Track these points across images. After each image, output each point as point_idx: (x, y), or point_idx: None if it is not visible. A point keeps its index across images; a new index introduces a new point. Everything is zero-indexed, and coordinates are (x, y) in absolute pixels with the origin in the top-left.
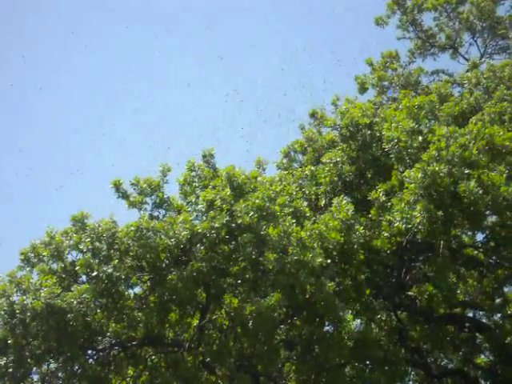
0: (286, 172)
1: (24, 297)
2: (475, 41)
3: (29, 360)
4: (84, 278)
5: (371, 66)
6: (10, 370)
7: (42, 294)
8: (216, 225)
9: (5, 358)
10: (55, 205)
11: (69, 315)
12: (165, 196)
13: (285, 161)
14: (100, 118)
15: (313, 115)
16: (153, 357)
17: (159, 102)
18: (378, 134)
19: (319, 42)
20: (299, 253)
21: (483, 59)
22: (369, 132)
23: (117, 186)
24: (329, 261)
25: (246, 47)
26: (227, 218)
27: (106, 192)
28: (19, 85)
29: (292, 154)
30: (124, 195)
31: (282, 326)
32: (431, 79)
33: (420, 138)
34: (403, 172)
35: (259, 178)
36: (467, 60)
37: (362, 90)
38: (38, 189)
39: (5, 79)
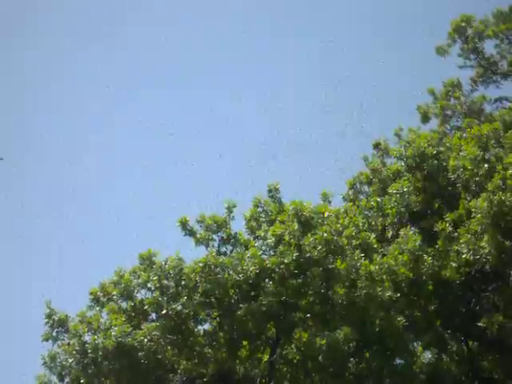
0: (351, 204)
1: (95, 336)
2: None
3: None
4: (153, 315)
5: (433, 95)
6: None
7: (113, 333)
8: (285, 260)
9: None
10: (123, 244)
11: (140, 353)
12: (231, 232)
13: (351, 192)
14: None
15: (376, 146)
16: None
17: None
18: (444, 164)
19: (381, 73)
20: (368, 286)
21: None
22: (435, 162)
23: (183, 224)
24: (398, 294)
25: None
26: (296, 253)
27: (172, 231)
28: None
29: (358, 185)
30: (191, 232)
31: (351, 360)
32: (494, 107)
33: (486, 165)
34: (470, 201)
35: (325, 211)
36: None
37: (425, 119)
38: (108, 229)
39: None
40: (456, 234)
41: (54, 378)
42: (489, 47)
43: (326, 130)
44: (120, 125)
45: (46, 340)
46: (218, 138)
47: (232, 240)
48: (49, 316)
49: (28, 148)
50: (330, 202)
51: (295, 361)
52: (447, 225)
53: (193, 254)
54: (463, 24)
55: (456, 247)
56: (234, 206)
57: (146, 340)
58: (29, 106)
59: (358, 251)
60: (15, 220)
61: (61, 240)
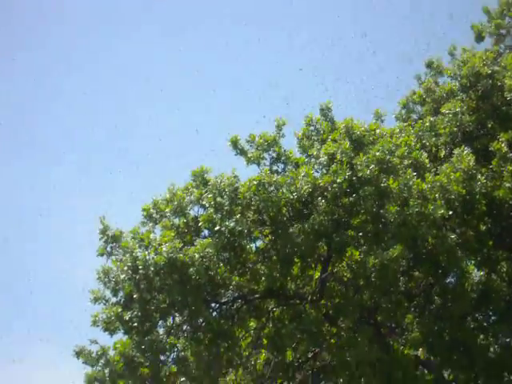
0: (405, 124)
1: (146, 252)
2: None
3: (154, 314)
4: (206, 232)
5: (488, 14)
6: (136, 324)
7: (164, 249)
8: (338, 179)
9: (130, 313)
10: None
11: (191, 269)
12: (282, 150)
13: (403, 112)
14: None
15: (429, 65)
16: (275, 309)
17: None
18: (499, 84)
19: None
20: (420, 205)
21: None
22: (489, 81)
23: (234, 143)
24: (450, 212)
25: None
26: (349, 172)
27: (223, 150)
28: None
29: (410, 105)
30: (242, 152)
31: (401, 278)
32: None
33: None
34: None
35: (378, 130)
36: None
37: (479, 39)
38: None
39: None
40: (511, 154)
41: (108, 293)
42: None
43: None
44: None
45: (101, 255)
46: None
47: (283, 158)
48: (103, 232)
49: None
50: (382, 122)
51: (346, 279)
52: (502, 145)
53: (244, 174)
54: None
55: (510, 167)
56: (284, 124)
57: (197, 256)
58: None
59: (410, 170)
60: (71, 136)
61: (116, 159)
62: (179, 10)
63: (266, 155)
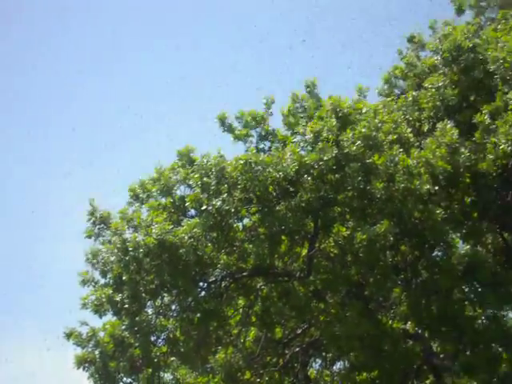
0: (388, 99)
1: (136, 234)
2: None
3: (143, 295)
4: (193, 212)
5: None
6: (126, 305)
7: (154, 230)
8: (324, 157)
9: (120, 294)
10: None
11: (181, 250)
12: (269, 128)
13: (386, 87)
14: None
15: (411, 40)
16: (264, 287)
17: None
18: (481, 57)
19: None
20: (406, 180)
21: None
22: (471, 55)
23: (222, 120)
24: (436, 187)
25: None
26: (335, 149)
27: (210, 126)
28: None
29: (393, 80)
30: (229, 129)
31: (388, 252)
32: None
33: None
34: (507, 93)
35: (362, 106)
36: None
37: (460, 11)
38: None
39: None
40: (494, 126)
41: (97, 275)
42: None
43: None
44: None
45: (89, 237)
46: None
47: (270, 136)
48: (91, 213)
49: None
50: (365, 97)
51: (333, 255)
52: (485, 117)
53: (230, 150)
54: None
55: (493, 139)
56: (273, 102)
57: (186, 237)
58: None
59: (396, 146)
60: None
61: (101, 138)
62: None
63: (253, 132)
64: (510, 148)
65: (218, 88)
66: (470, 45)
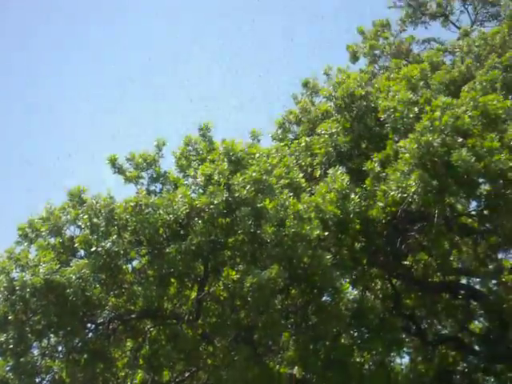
0: (282, 144)
1: (23, 273)
2: (466, 8)
3: (29, 335)
4: (82, 253)
5: (362, 34)
6: (11, 346)
7: (41, 270)
8: (215, 200)
9: (5, 335)
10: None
11: (68, 290)
12: (161, 170)
13: (279, 132)
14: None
15: (306, 85)
16: (152, 329)
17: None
18: (373, 105)
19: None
20: (296, 225)
21: (474, 27)
22: (364, 103)
23: (112, 162)
24: (326, 233)
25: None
26: (226, 193)
27: (102, 168)
28: None
29: (287, 124)
30: (120, 170)
31: (278, 296)
32: (422, 47)
33: (416, 108)
34: (398, 142)
35: (255, 151)
36: (458, 28)
37: (354, 59)
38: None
39: None
40: (384, 174)
41: None
42: None
43: (256, 67)
44: None
45: None
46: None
47: (161, 178)
48: None
49: None
50: (259, 141)
51: (222, 298)
52: (375, 165)
53: (122, 192)
54: None
55: (383, 187)
56: (164, 144)
57: (74, 277)
58: None
59: (286, 190)
60: None
61: None
62: None
63: (144, 174)
64: (399, 196)
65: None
66: (363, 93)
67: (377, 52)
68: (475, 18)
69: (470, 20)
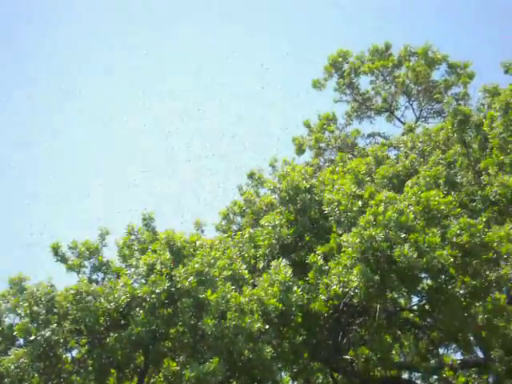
0: (225, 235)
1: None
2: (411, 104)
3: None
4: (22, 341)
5: (309, 127)
6: None
7: None
8: (157, 290)
9: None
10: None
11: (6, 380)
12: (104, 259)
13: (223, 222)
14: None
15: (251, 176)
16: None
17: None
18: (317, 198)
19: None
20: (237, 318)
21: (418, 123)
22: (308, 195)
23: (55, 250)
24: (267, 326)
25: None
26: (168, 283)
27: (44, 256)
28: None
29: (231, 215)
30: (62, 259)
31: None
32: (368, 142)
33: (360, 202)
34: (341, 235)
35: (198, 242)
36: (403, 123)
37: (300, 151)
38: None
39: None
40: (326, 267)
41: None
42: (364, 83)
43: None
44: None
45: None
46: None
47: (104, 267)
48: None
49: None
50: (202, 232)
51: None
52: (318, 258)
53: (64, 280)
54: (340, 59)
55: (326, 280)
56: (107, 233)
57: (12, 367)
58: None
59: (229, 283)
60: None
61: None
62: None
63: (86, 263)
64: (341, 289)
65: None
66: (307, 186)
67: (322, 145)
68: (420, 114)
69: (415, 116)
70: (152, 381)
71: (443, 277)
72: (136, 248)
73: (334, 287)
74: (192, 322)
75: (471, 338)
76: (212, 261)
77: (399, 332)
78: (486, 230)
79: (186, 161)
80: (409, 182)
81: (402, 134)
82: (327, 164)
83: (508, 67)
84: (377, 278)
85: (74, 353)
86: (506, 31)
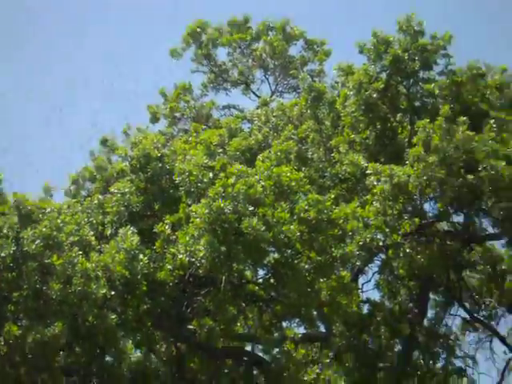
0: (74, 200)
1: None
2: (267, 78)
3: None
4: None
5: (164, 96)
6: None
7: None
8: (2, 254)
9: None
10: None
11: None
12: None
13: (73, 188)
14: None
15: (104, 142)
16: None
17: None
18: (168, 167)
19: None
20: (83, 284)
21: (274, 97)
22: (159, 164)
23: None
24: (113, 292)
25: None
26: (13, 247)
27: None
28: None
29: (81, 181)
30: None
31: (61, 353)
32: (222, 113)
33: (211, 174)
34: (191, 205)
35: (47, 206)
36: (258, 97)
37: (154, 120)
38: None
39: None
40: (174, 236)
41: None
42: (222, 54)
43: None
44: None
45: None
46: None
47: None
48: None
49: None
50: (51, 196)
51: (2, 353)
52: (166, 227)
53: None
54: (198, 29)
55: (173, 250)
56: None
57: None
58: None
59: (76, 248)
60: None
61: None
62: None
63: None
64: (188, 259)
65: None
66: (159, 154)
67: (177, 114)
68: (275, 88)
69: (271, 90)
70: None
71: (289, 251)
72: None
73: (181, 257)
74: (37, 286)
75: (315, 313)
76: (60, 225)
77: (244, 304)
78: (334, 207)
79: None
80: (260, 156)
81: (257, 108)
82: (181, 134)
83: (362, 47)
84: (223, 249)
85: None
86: (362, 11)
